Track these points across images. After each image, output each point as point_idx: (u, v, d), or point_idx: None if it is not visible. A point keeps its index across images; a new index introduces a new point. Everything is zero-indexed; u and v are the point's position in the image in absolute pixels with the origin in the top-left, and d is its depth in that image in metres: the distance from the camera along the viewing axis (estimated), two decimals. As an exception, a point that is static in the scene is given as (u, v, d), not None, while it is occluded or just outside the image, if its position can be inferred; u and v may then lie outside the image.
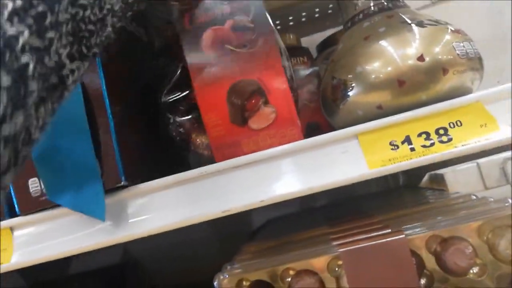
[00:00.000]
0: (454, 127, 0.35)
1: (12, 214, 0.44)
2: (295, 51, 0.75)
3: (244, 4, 0.45)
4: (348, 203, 0.87)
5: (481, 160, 0.73)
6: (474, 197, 0.58)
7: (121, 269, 0.96)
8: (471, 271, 0.44)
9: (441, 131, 0.35)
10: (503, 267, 0.43)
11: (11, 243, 0.42)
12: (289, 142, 0.40)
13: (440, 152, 0.34)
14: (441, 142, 0.35)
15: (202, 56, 0.44)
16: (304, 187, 0.37)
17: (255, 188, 0.38)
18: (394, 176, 0.95)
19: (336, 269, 0.46)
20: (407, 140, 0.35)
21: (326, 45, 0.78)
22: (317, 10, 0.86)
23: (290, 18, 0.88)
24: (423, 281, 0.44)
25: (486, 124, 0.34)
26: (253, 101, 0.43)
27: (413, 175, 0.88)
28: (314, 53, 0.81)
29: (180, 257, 0.97)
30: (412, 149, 0.35)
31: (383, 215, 0.60)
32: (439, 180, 0.77)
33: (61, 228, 0.40)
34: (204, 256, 0.88)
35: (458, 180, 0.71)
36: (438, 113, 0.35)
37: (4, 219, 0.44)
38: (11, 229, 0.42)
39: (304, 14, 0.87)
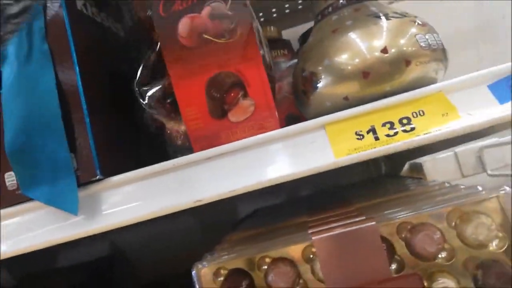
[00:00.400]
0: (417, 116, 0.36)
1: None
2: (276, 44, 0.76)
3: None
4: (332, 192, 0.89)
5: (459, 149, 0.74)
6: (448, 185, 0.59)
7: (107, 262, 0.96)
8: (440, 256, 0.45)
9: (405, 121, 0.36)
10: (471, 252, 0.45)
11: (-7, 236, 0.43)
12: (267, 130, 0.40)
13: (402, 141, 0.35)
14: (404, 131, 0.36)
15: (178, 46, 0.42)
16: (274, 176, 0.37)
17: (227, 179, 0.39)
18: (375, 165, 0.97)
19: (311, 256, 0.48)
20: (372, 129, 0.36)
21: (307, 37, 0.78)
22: (300, 1, 0.86)
23: (274, 10, 0.88)
24: (393, 266, 0.46)
25: (447, 113, 0.35)
26: (232, 94, 0.42)
27: (394, 164, 0.89)
28: (297, 45, 0.82)
29: (164, 248, 0.98)
30: (377, 138, 0.36)
31: (361, 203, 0.61)
32: (418, 169, 0.79)
33: (36, 221, 0.40)
34: (188, 247, 0.89)
35: (436, 168, 0.73)
36: (402, 103, 0.36)
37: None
38: (-9, 221, 0.43)
39: (287, 6, 0.88)
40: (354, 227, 0.46)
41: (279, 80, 0.65)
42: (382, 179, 0.92)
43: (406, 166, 0.84)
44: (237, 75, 0.42)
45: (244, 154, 0.39)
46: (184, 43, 0.42)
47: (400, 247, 0.46)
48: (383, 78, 0.36)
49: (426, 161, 0.74)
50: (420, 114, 0.36)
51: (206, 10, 0.42)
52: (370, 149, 0.36)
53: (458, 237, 0.45)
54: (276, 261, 0.48)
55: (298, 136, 0.38)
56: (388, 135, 0.36)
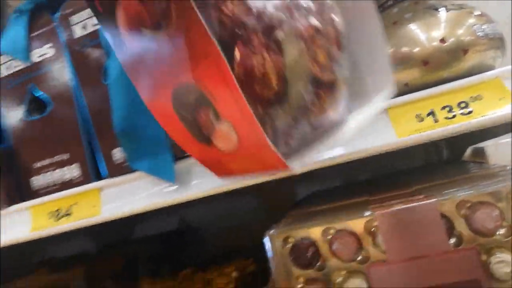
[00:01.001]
0: (474, 101, 0.39)
1: (99, 178, 0.54)
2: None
3: None
4: (392, 177, 0.92)
5: (522, 134, 0.74)
6: (509, 167, 0.60)
7: (179, 234, 1.07)
8: (498, 233, 0.48)
9: (463, 105, 0.40)
10: (529, 229, 0.47)
11: (99, 201, 0.52)
12: (272, 169, 0.28)
13: (460, 123, 0.39)
14: (462, 114, 0.39)
15: (124, 48, 0.29)
16: (345, 152, 0.43)
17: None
18: (437, 151, 0.98)
19: (372, 229, 0.52)
20: (432, 113, 0.40)
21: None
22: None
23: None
24: (452, 241, 0.49)
25: (504, 98, 0.38)
26: (202, 115, 0.28)
27: (455, 149, 0.90)
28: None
29: (231, 223, 1.07)
30: (436, 121, 0.40)
31: (421, 185, 0.65)
32: (481, 154, 0.79)
33: (139, 188, 0.49)
34: (252, 223, 0.96)
35: (499, 153, 0.73)
36: (460, 88, 0.39)
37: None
38: (100, 189, 0.52)
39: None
40: (415, 204, 0.50)
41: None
42: (443, 164, 0.93)
43: (468, 151, 0.85)
44: (196, 86, 0.27)
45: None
46: (129, 44, 0.29)
47: (459, 224, 0.49)
48: (441, 66, 0.40)
49: (488, 146, 0.75)
50: (477, 99, 0.39)
51: None
52: (430, 130, 0.40)
53: (516, 215, 0.47)
54: (340, 231, 0.54)
55: (362, 118, 0.43)
56: (447, 118, 0.40)
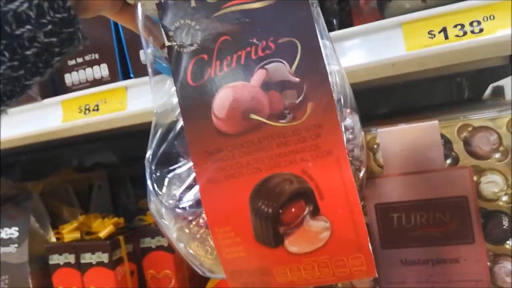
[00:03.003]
0: (487, 20, 0.40)
1: (126, 77, 0.58)
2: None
3: (285, 41, 0.27)
4: (410, 112, 0.93)
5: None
6: (520, 102, 0.62)
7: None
8: (493, 156, 0.50)
9: (475, 24, 0.41)
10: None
11: (126, 98, 0.56)
12: (351, 276, 0.27)
13: (468, 40, 0.40)
14: (473, 32, 0.40)
15: (212, 132, 0.28)
16: (351, 64, 0.45)
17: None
18: (458, 89, 0.98)
19: (375, 146, 0.56)
20: (444, 30, 0.42)
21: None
22: None
23: None
24: (449, 161, 0.52)
25: (517, 18, 0.39)
26: (293, 210, 0.28)
27: (476, 88, 0.90)
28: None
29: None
30: (446, 37, 0.41)
31: (433, 114, 0.67)
32: (500, 92, 0.79)
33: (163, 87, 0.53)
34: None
35: (517, 90, 0.73)
36: (475, 7, 0.40)
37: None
38: (126, 87, 0.57)
39: None
40: (416, 124, 0.52)
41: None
42: (463, 101, 0.94)
43: (489, 89, 0.85)
44: (303, 179, 0.27)
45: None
46: (221, 128, 0.28)
47: (458, 146, 0.52)
48: (460, -17, 0.40)
49: (508, 84, 0.75)
50: (490, 18, 0.40)
51: (258, 76, 0.27)
52: (438, 46, 0.41)
53: (515, 141, 0.50)
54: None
55: (377, 32, 0.44)
56: (457, 35, 0.41)
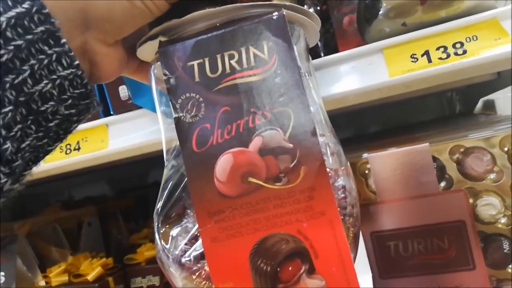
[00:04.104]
0: (470, 41, 0.39)
1: (106, 114, 0.57)
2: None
3: (279, 110, 0.30)
4: (400, 129, 0.92)
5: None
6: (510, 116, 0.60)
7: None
8: (488, 177, 0.49)
9: (458, 45, 0.39)
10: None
11: (107, 136, 0.55)
12: None
13: (452, 62, 0.39)
14: (456, 54, 0.39)
15: (214, 195, 0.30)
16: (337, 92, 0.44)
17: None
18: (449, 103, 0.97)
19: (366, 172, 0.54)
20: (426, 53, 0.40)
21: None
22: None
23: None
24: (443, 184, 0.51)
25: (500, 38, 0.38)
26: (290, 269, 0.30)
27: (467, 102, 0.89)
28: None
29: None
30: (429, 61, 0.40)
31: (425, 133, 0.65)
32: (491, 106, 0.78)
33: (144, 124, 0.51)
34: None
35: (507, 104, 0.72)
36: (456, 28, 0.39)
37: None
38: (107, 125, 0.55)
39: None
40: (408, 147, 0.51)
41: (351, 13, 0.67)
42: (455, 117, 0.93)
43: (480, 103, 0.84)
44: (299, 239, 0.29)
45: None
46: (223, 191, 0.30)
47: (451, 168, 0.50)
48: (439, 5, 0.39)
49: (498, 98, 0.74)
50: (473, 39, 0.39)
51: (255, 143, 0.30)
52: (422, 70, 0.40)
53: (508, 161, 0.48)
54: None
55: (360, 58, 0.43)
56: (440, 58, 0.40)
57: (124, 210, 0.96)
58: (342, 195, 0.33)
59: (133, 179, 1.22)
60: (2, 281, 0.72)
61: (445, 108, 1.02)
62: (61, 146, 0.58)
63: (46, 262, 0.77)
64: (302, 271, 0.30)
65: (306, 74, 0.35)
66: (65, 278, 0.67)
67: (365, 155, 0.53)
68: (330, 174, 0.32)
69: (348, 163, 0.36)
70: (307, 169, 0.29)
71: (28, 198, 1.19)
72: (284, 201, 0.29)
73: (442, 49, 0.40)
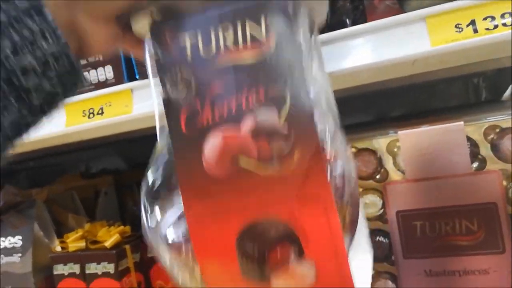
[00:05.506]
0: (520, 11, 0.37)
1: (131, 79, 0.56)
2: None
3: (275, 91, 0.28)
4: (426, 113, 0.90)
5: None
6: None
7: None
8: (523, 160, 0.47)
9: (507, 15, 0.37)
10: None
11: (131, 101, 0.54)
12: None
13: (501, 32, 0.37)
14: (504, 25, 0.37)
15: (202, 177, 0.29)
16: (373, 61, 0.42)
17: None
18: (475, 90, 0.94)
19: (395, 149, 0.52)
20: (472, 23, 0.38)
21: None
22: None
23: None
24: (475, 165, 0.49)
25: (553, 9, 0.36)
26: (279, 253, 0.29)
27: (495, 88, 0.87)
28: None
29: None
30: (475, 31, 0.38)
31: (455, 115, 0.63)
32: (520, 93, 0.76)
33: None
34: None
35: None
36: (507, -3, 0.37)
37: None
38: (131, 90, 0.54)
39: None
40: (441, 125, 0.49)
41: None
42: (481, 103, 0.90)
43: (508, 90, 0.81)
44: (290, 224, 0.28)
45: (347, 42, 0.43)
46: (211, 173, 0.29)
47: (485, 148, 0.48)
48: (491, -29, 0.37)
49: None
50: (524, 9, 0.37)
51: (247, 124, 0.28)
52: (467, 40, 0.38)
53: (546, 143, 0.46)
54: (361, 150, 0.54)
55: (397, 27, 0.41)
56: (487, 29, 0.38)
57: (139, 183, 0.96)
58: (340, 183, 0.31)
59: (148, 155, 1.22)
60: (19, 245, 0.73)
61: (470, 94, 1.00)
62: (84, 110, 0.58)
63: (63, 229, 0.77)
64: (291, 255, 0.29)
65: (308, 54, 0.32)
66: (82, 244, 0.67)
67: (395, 132, 0.52)
68: (327, 159, 0.30)
69: (349, 147, 0.34)
70: (302, 152, 0.27)
71: (45, 168, 1.20)
72: (276, 185, 0.28)
73: (489, 19, 0.38)
